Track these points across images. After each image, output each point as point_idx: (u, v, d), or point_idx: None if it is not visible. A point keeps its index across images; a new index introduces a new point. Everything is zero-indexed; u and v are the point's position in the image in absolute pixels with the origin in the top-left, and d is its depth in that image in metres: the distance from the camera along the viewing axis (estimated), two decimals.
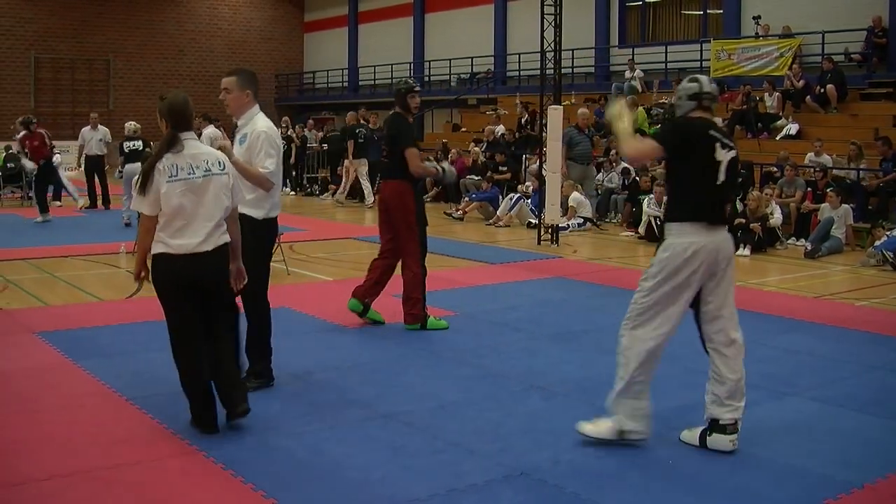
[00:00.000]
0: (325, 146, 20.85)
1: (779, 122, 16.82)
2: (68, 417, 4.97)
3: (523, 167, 17.61)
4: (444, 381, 5.81)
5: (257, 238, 5.41)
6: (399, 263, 7.32)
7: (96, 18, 30.29)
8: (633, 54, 21.54)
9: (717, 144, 4.40)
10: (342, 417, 5.04)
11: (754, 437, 4.62)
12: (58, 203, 15.90)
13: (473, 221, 15.42)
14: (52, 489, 4.01)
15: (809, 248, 11.88)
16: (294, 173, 21.19)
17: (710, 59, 19.40)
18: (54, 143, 15.86)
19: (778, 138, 16.31)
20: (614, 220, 15.34)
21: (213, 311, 4.78)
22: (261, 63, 33.35)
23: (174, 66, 31.15)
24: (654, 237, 12.96)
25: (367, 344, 6.78)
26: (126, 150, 14.01)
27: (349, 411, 5.15)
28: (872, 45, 17.15)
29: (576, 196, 14.55)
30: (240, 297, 5.29)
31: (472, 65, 26.18)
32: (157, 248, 4.61)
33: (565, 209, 13.95)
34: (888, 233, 11.41)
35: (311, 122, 23.30)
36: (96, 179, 16.78)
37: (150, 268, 4.72)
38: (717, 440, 4.52)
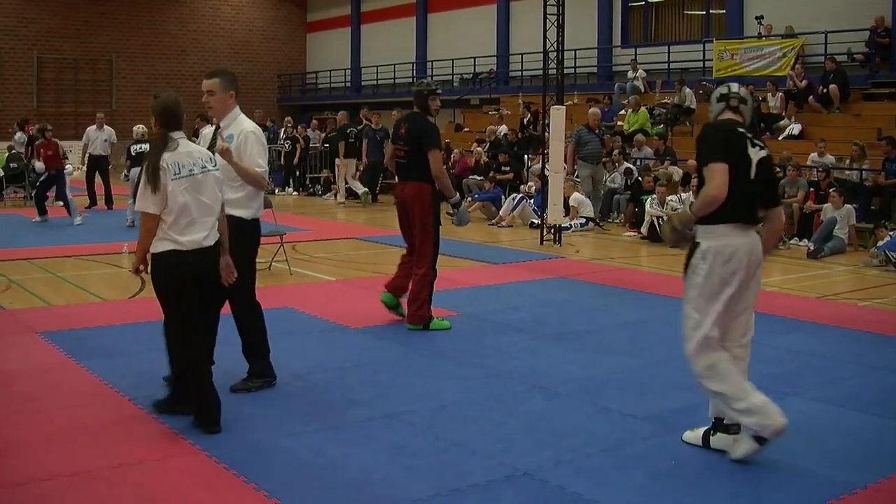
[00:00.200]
0: (328, 146, 20.86)
1: (781, 123, 16.80)
2: (71, 417, 4.97)
3: (526, 167, 17.61)
4: (446, 381, 5.81)
5: (246, 238, 5.45)
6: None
7: (99, 18, 30.35)
8: (635, 54, 21.55)
9: (748, 142, 4.41)
10: (344, 417, 5.04)
11: None
12: (59, 203, 15.89)
13: (476, 221, 15.39)
14: (54, 489, 4.01)
15: (812, 248, 11.87)
16: (298, 173, 21.19)
17: (712, 59, 19.40)
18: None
19: (780, 138, 16.28)
20: (617, 221, 15.32)
21: (208, 307, 4.92)
22: (263, 63, 33.44)
23: (177, 67, 31.19)
24: (657, 237, 12.95)
25: (369, 344, 6.78)
26: (133, 153, 14.02)
27: (351, 411, 5.15)
28: (875, 45, 17.14)
29: (577, 196, 14.55)
30: (228, 300, 5.34)
31: (474, 65, 26.19)
32: (163, 246, 4.66)
33: (567, 209, 13.95)
34: (891, 233, 11.40)
35: (314, 122, 23.32)
36: (98, 179, 16.79)
37: (149, 263, 4.77)
38: (721, 440, 4.52)
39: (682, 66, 20.51)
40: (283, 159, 21.33)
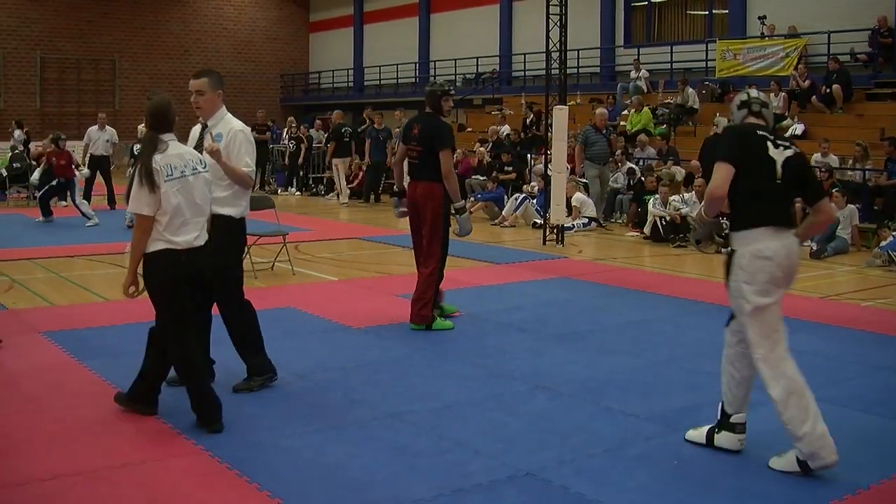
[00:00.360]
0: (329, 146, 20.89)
1: (784, 123, 16.76)
2: (73, 417, 4.98)
3: (528, 167, 17.61)
4: (449, 381, 5.81)
5: (234, 237, 5.49)
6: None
7: (102, 18, 30.37)
8: (638, 54, 21.53)
9: (769, 143, 4.39)
10: (346, 417, 5.04)
11: (759, 437, 4.60)
12: (63, 203, 15.91)
13: (479, 221, 15.38)
14: (55, 489, 4.01)
15: (815, 248, 11.85)
16: (301, 173, 21.21)
17: (715, 60, 19.38)
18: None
19: None
20: (619, 221, 15.32)
21: (200, 306, 5.01)
22: (266, 63, 33.45)
23: (179, 67, 31.19)
24: (660, 237, 12.96)
25: (372, 344, 6.78)
26: (136, 153, 14.02)
27: (354, 411, 5.15)
28: (878, 45, 17.12)
29: (579, 196, 14.54)
30: (216, 299, 5.37)
31: (477, 65, 26.18)
32: (156, 246, 4.71)
33: (570, 209, 13.94)
34: (894, 233, 11.38)
35: (318, 122, 23.33)
36: (100, 179, 16.80)
37: (144, 268, 4.80)
38: (726, 438, 4.52)
39: (685, 66, 20.49)
40: (286, 159, 21.35)
